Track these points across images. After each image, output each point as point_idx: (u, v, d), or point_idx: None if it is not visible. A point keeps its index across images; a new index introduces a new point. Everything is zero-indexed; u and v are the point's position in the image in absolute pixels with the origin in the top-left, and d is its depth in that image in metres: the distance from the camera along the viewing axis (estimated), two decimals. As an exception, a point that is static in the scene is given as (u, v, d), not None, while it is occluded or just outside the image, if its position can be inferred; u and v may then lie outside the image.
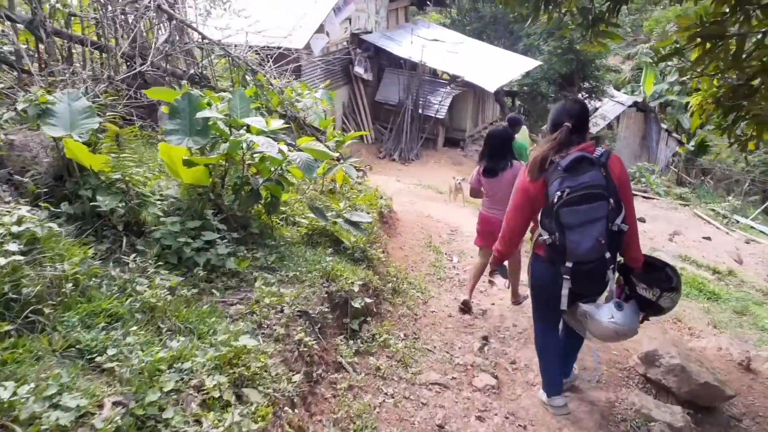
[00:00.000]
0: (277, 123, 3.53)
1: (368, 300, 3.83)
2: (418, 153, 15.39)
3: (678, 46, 4.07)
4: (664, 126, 20.70)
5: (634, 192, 14.67)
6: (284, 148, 3.37)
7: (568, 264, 2.65)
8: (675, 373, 3.86)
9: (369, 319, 3.90)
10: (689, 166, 22.34)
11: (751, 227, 15.44)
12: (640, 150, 21.20)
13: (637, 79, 23.90)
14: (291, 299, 3.06)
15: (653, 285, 2.85)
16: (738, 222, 15.10)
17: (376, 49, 15.70)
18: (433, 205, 9.02)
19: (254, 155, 3.41)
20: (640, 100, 20.83)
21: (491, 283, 5.00)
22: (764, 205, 17.40)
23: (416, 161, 15.14)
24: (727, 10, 3.82)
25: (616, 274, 2.78)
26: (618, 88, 23.47)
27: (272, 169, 3.53)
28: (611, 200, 2.59)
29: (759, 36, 3.98)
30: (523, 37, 19.59)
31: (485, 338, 4.29)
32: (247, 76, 5.78)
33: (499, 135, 4.38)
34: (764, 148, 18.36)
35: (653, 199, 14.31)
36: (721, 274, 9.35)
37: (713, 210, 16.54)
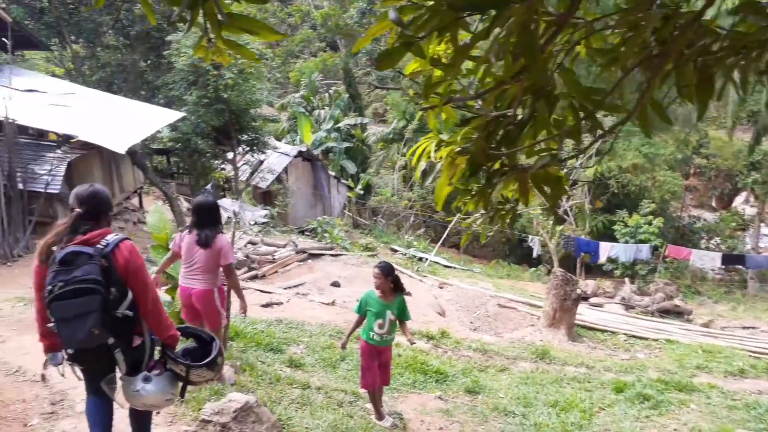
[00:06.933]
0: None
1: None
2: (28, 245, 10.51)
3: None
4: (331, 173, 20.33)
5: (321, 251, 13.10)
6: None
7: (69, 351, 2.72)
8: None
9: None
10: (360, 207, 22.77)
11: (436, 262, 15.74)
12: (314, 199, 20.40)
13: (295, 129, 23.46)
14: None
15: (182, 361, 2.91)
16: (423, 260, 15.12)
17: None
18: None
19: None
20: (304, 149, 20.05)
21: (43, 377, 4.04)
22: (442, 239, 18.30)
23: (27, 257, 10.23)
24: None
25: (156, 349, 2.92)
26: (279, 139, 22.49)
27: None
28: (113, 290, 2.67)
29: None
30: (161, 87, 16.26)
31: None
32: None
33: (207, 205, 4.45)
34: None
35: (342, 255, 12.90)
36: (435, 339, 8.08)
37: (393, 249, 16.40)
